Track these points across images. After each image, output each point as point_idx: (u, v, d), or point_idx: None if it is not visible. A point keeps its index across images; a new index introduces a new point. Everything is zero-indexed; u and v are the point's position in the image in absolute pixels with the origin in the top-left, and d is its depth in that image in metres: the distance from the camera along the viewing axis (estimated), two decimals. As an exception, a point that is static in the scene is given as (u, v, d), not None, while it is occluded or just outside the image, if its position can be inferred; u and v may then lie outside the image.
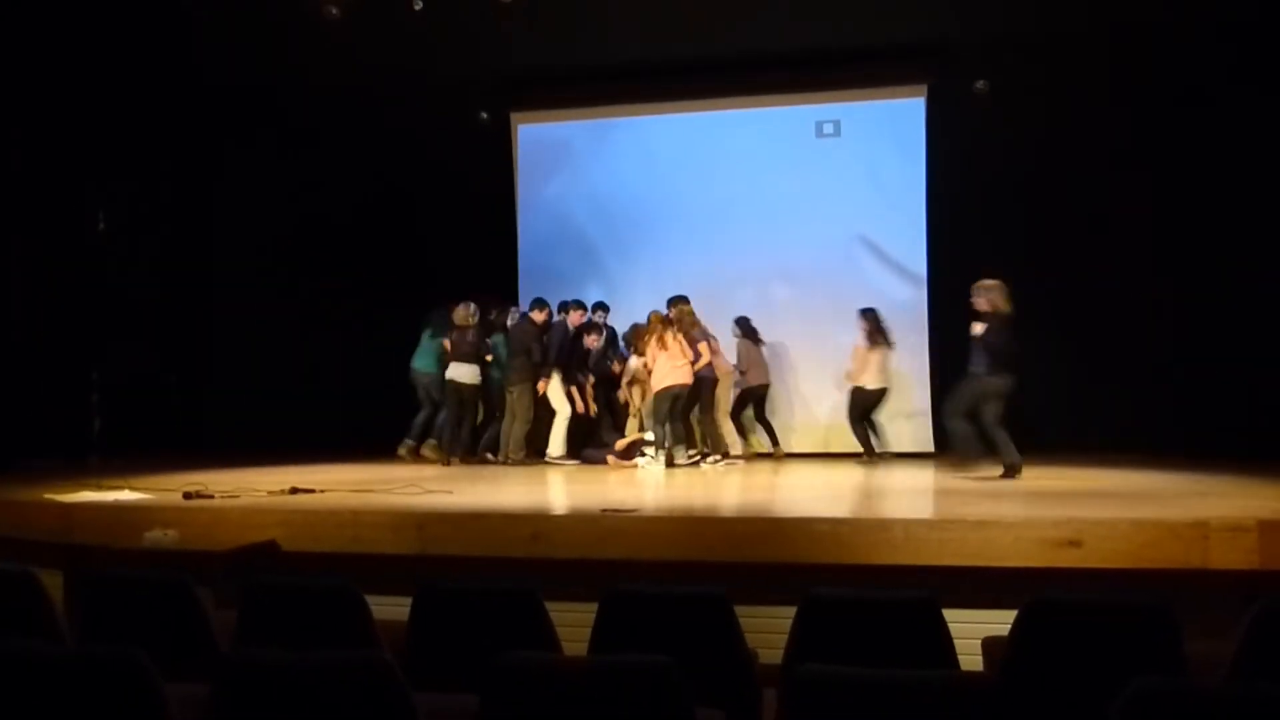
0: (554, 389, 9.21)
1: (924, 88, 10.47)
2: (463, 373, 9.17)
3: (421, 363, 9.57)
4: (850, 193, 10.56)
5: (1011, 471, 7.10)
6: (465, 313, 9.22)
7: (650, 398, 8.95)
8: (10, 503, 6.24)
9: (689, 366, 8.70)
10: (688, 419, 9.12)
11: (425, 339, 9.63)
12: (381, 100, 10.65)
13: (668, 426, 8.71)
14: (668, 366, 8.63)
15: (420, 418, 9.53)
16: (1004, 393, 7.19)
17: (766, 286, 9.84)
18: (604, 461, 9.09)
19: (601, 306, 9.94)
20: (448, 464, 8.98)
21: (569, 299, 9.76)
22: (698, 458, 8.96)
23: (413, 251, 11.02)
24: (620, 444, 9.14)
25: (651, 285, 10.36)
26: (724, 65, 10.53)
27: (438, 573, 4.44)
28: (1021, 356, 7.22)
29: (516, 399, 9.19)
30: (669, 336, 8.65)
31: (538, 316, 9.41)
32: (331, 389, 10.45)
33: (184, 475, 7.36)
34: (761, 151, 10.77)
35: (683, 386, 8.66)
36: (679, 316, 8.86)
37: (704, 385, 8.98)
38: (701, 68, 10.58)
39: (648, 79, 10.79)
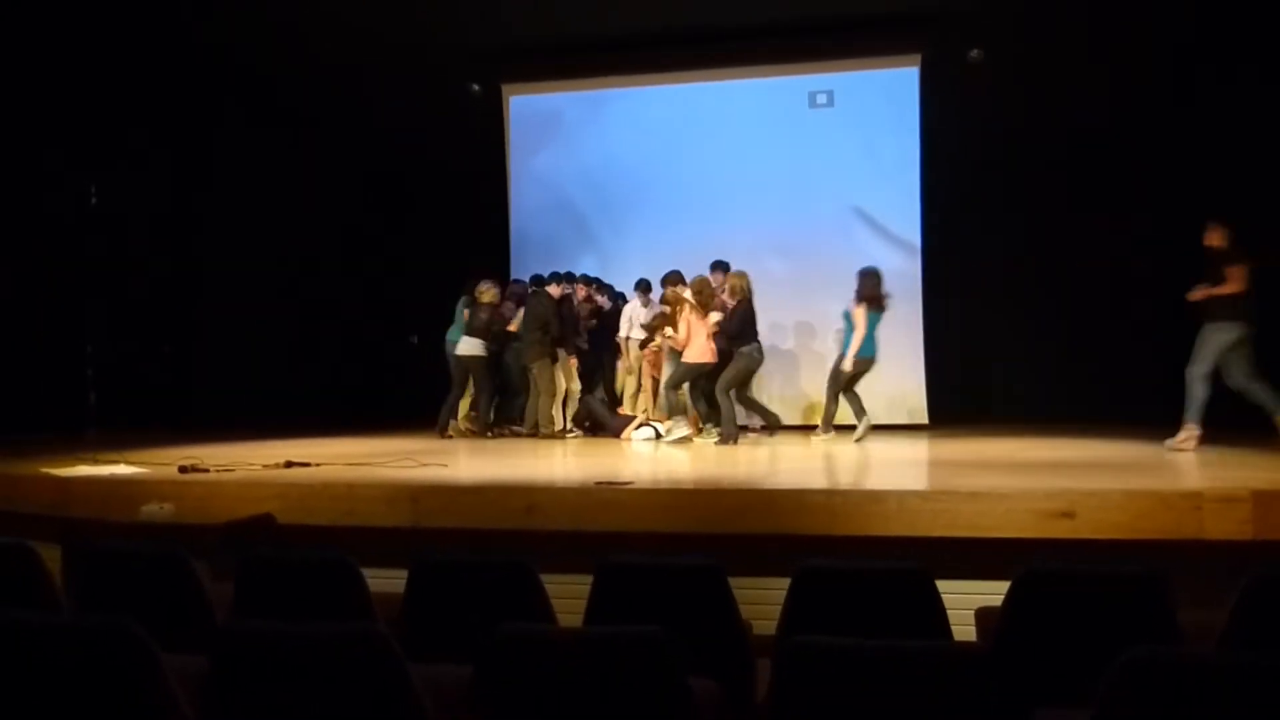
0: (563, 363, 9.23)
1: (918, 57, 10.42)
2: (466, 346, 9.21)
3: (452, 335, 9.63)
4: (844, 163, 10.53)
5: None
6: (483, 288, 9.31)
7: (673, 370, 8.78)
8: (6, 476, 6.23)
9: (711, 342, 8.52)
10: (715, 395, 8.81)
11: (458, 311, 9.66)
12: (373, 72, 10.58)
13: (688, 399, 8.63)
14: (702, 342, 8.41)
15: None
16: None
17: (760, 258, 9.78)
18: (616, 433, 9.07)
19: (597, 282, 9.95)
20: (444, 436, 9.00)
21: (561, 271, 9.76)
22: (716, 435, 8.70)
23: (405, 223, 10.98)
24: (631, 426, 9.09)
25: (644, 257, 10.35)
26: (717, 36, 10.46)
27: (433, 545, 4.46)
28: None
29: (538, 374, 9.21)
30: (697, 312, 8.46)
31: (554, 291, 9.39)
32: (326, 362, 10.45)
33: (179, 449, 7.37)
34: (755, 122, 10.73)
35: (710, 363, 8.48)
36: (701, 288, 8.55)
37: (723, 359, 8.65)
38: (694, 38, 10.52)
39: (640, 50, 10.73)
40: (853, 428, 8.52)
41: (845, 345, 8.36)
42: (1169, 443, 7.07)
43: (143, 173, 10.58)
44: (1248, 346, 6.89)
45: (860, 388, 8.77)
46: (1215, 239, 7.13)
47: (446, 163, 10.98)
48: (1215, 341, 6.91)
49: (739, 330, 8.25)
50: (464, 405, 9.59)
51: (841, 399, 8.68)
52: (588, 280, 9.83)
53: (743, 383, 8.48)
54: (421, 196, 11.07)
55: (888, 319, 9.86)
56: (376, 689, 2.30)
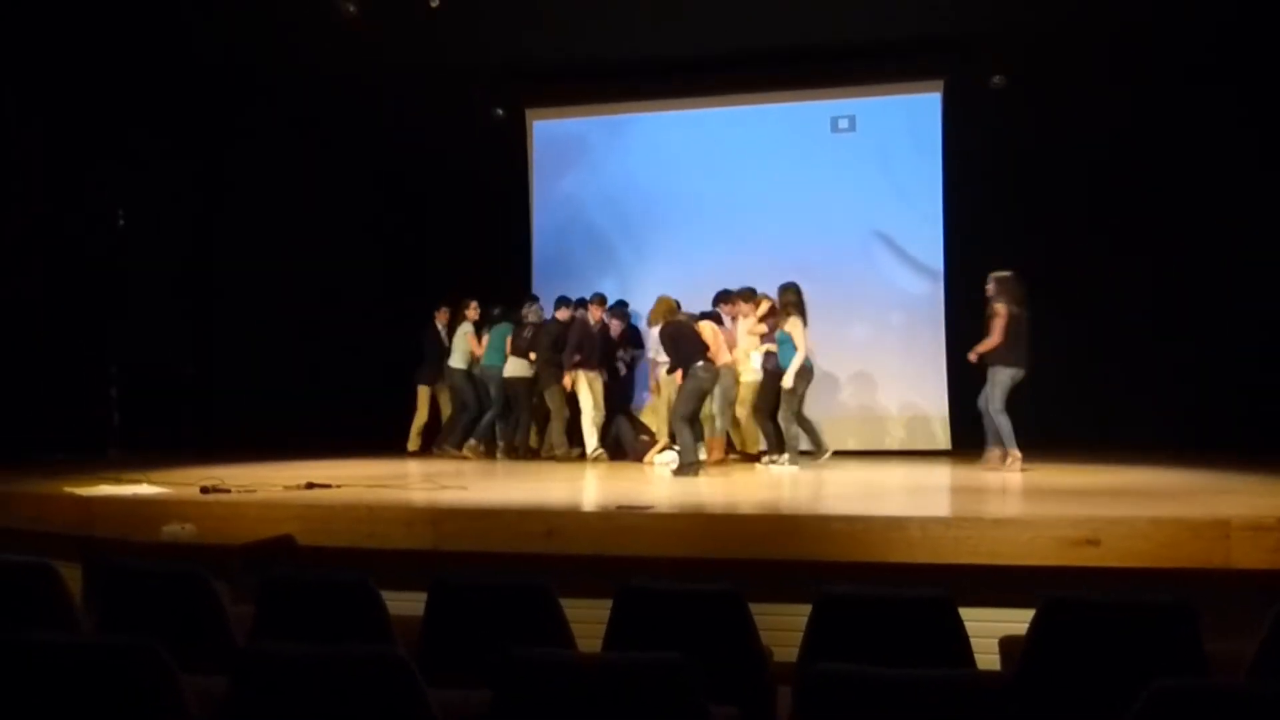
0: (581, 385, 9.25)
1: (940, 83, 10.43)
2: (513, 368, 9.44)
3: (490, 360, 9.74)
4: (866, 188, 10.52)
5: None
6: (526, 310, 9.66)
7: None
8: (29, 495, 6.28)
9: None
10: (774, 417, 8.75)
11: (495, 336, 9.77)
12: (397, 96, 10.68)
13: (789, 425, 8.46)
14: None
15: (487, 417, 9.75)
16: None
17: (782, 281, 9.73)
18: (638, 457, 9.05)
19: (620, 305, 10.00)
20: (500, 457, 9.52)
21: (586, 296, 9.82)
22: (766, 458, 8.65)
23: (427, 246, 11.05)
24: (654, 450, 9.06)
25: (666, 280, 10.34)
26: (739, 61, 10.50)
27: (452, 568, 4.45)
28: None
29: (550, 397, 9.31)
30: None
31: (562, 315, 9.52)
32: (348, 383, 10.50)
33: (201, 469, 7.41)
34: (777, 147, 10.74)
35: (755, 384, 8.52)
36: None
37: (770, 380, 8.58)
38: (716, 63, 10.56)
39: (663, 75, 10.78)
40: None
41: (785, 363, 8.22)
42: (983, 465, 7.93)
43: (167, 195, 10.70)
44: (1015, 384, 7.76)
45: (883, 411, 8.74)
46: (988, 289, 7.93)
47: (469, 186, 11.05)
48: (1000, 382, 7.78)
49: (675, 354, 8.07)
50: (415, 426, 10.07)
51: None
52: (602, 302, 9.85)
53: (698, 403, 8.11)
54: (444, 219, 11.14)
55: (910, 344, 9.85)
56: (394, 712, 2.29)
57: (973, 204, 10.14)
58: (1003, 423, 7.73)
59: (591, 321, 9.53)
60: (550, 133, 11.49)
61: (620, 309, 9.94)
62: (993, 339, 7.72)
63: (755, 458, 8.94)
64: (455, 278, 9.93)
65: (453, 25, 9.05)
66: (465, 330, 9.87)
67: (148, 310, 10.40)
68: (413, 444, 10.13)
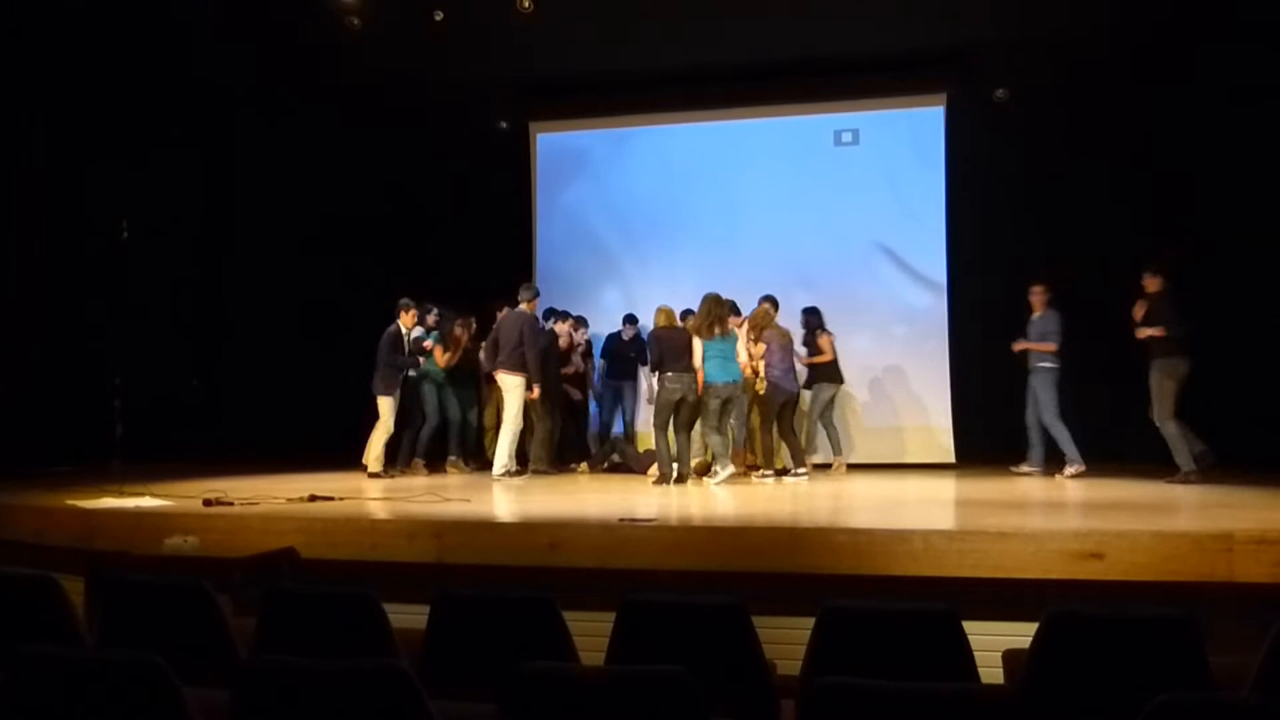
0: (505, 392, 8.86)
1: (943, 96, 10.45)
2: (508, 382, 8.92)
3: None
4: (869, 201, 10.53)
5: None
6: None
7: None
8: (32, 508, 6.29)
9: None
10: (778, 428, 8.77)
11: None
12: (402, 108, 10.71)
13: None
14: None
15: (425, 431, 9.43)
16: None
17: (786, 295, 9.77)
18: (642, 471, 9.04)
19: (630, 319, 10.16)
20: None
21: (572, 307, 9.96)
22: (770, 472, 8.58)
23: (431, 258, 11.06)
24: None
25: (669, 292, 10.35)
26: (742, 74, 10.53)
27: (455, 581, 4.45)
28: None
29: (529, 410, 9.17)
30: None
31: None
32: (351, 397, 10.49)
33: (204, 482, 7.42)
34: (780, 160, 10.76)
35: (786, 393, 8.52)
36: (764, 316, 8.69)
37: (778, 393, 8.58)
38: (720, 76, 10.59)
39: (666, 88, 10.81)
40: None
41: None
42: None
43: (171, 207, 10.72)
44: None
45: (887, 424, 8.75)
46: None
47: (473, 198, 11.07)
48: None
49: (655, 359, 8.25)
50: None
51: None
52: (566, 316, 9.87)
53: (668, 413, 8.08)
54: (448, 231, 11.15)
55: (914, 357, 9.85)
56: (397, 726, 2.29)
57: (976, 217, 10.14)
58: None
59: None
60: (554, 145, 11.53)
61: (572, 319, 9.94)
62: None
63: (783, 471, 8.78)
64: (459, 289, 9.93)
65: (456, 38, 9.09)
66: (429, 340, 9.41)
67: (152, 322, 10.41)
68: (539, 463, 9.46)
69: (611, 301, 10.80)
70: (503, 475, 8.48)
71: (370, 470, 8.64)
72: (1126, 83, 9.41)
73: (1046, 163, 9.81)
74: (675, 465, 8.11)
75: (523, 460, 9.07)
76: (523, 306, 8.85)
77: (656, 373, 8.30)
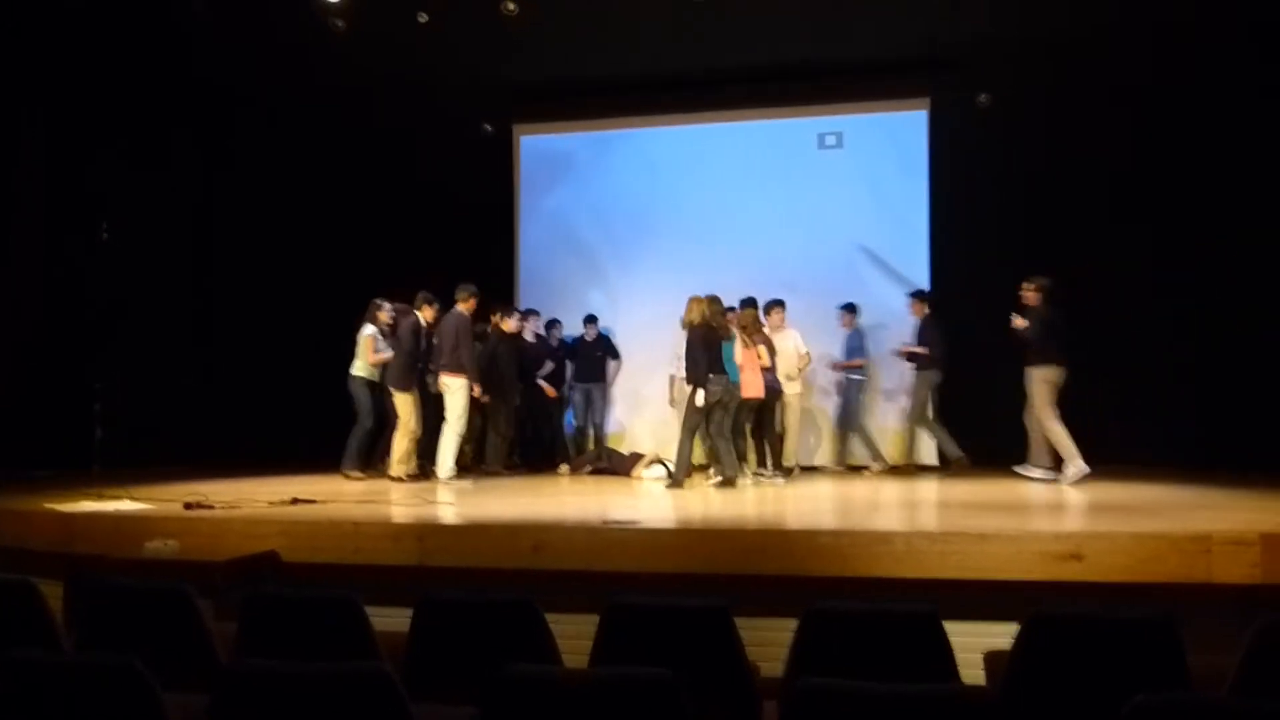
0: (445, 392, 8.55)
1: (926, 100, 10.51)
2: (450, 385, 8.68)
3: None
4: (852, 204, 10.58)
5: None
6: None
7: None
8: (10, 512, 6.24)
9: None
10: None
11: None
12: (386, 111, 10.69)
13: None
14: (750, 376, 8.22)
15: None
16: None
17: (768, 296, 9.81)
18: (626, 472, 9.03)
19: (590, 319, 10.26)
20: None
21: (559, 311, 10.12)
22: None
23: (415, 260, 11.02)
24: (641, 464, 9.05)
25: (652, 295, 10.41)
26: (726, 78, 10.56)
27: (439, 584, 4.44)
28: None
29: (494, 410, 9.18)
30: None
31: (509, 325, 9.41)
32: (333, 399, 10.46)
33: (185, 485, 7.37)
34: (764, 163, 10.79)
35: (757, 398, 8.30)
36: (751, 320, 8.54)
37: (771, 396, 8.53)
38: (704, 80, 10.61)
39: (650, 91, 10.83)
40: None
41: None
42: None
43: (154, 209, 10.65)
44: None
45: (869, 426, 8.77)
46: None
47: (457, 201, 11.05)
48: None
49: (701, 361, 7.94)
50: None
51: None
52: (524, 314, 9.89)
53: (700, 418, 7.91)
54: (432, 234, 11.11)
55: (896, 359, 9.88)
56: (379, 729, 2.28)
57: (958, 220, 10.20)
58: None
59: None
60: (537, 148, 11.53)
61: (527, 314, 9.98)
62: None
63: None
64: (441, 292, 9.92)
65: (440, 41, 9.07)
66: (368, 333, 8.96)
67: (134, 325, 10.34)
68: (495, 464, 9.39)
69: (595, 304, 10.80)
70: (450, 479, 8.27)
71: (393, 475, 8.37)
72: (1109, 87, 9.48)
73: (1029, 166, 9.88)
74: (725, 469, 7.85)
75: (479, 462, 9.07)
76: (459, 307, 8.62)
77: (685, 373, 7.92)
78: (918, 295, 9.68)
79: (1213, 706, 2.06)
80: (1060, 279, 9.31)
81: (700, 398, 7.75)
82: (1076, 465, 7.67)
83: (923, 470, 9.59)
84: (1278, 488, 6.84)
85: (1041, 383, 7.90)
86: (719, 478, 7.92)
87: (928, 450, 9.92)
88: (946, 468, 9.45)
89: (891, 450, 9.93)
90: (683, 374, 8.51)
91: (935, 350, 9.28)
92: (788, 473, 8.78)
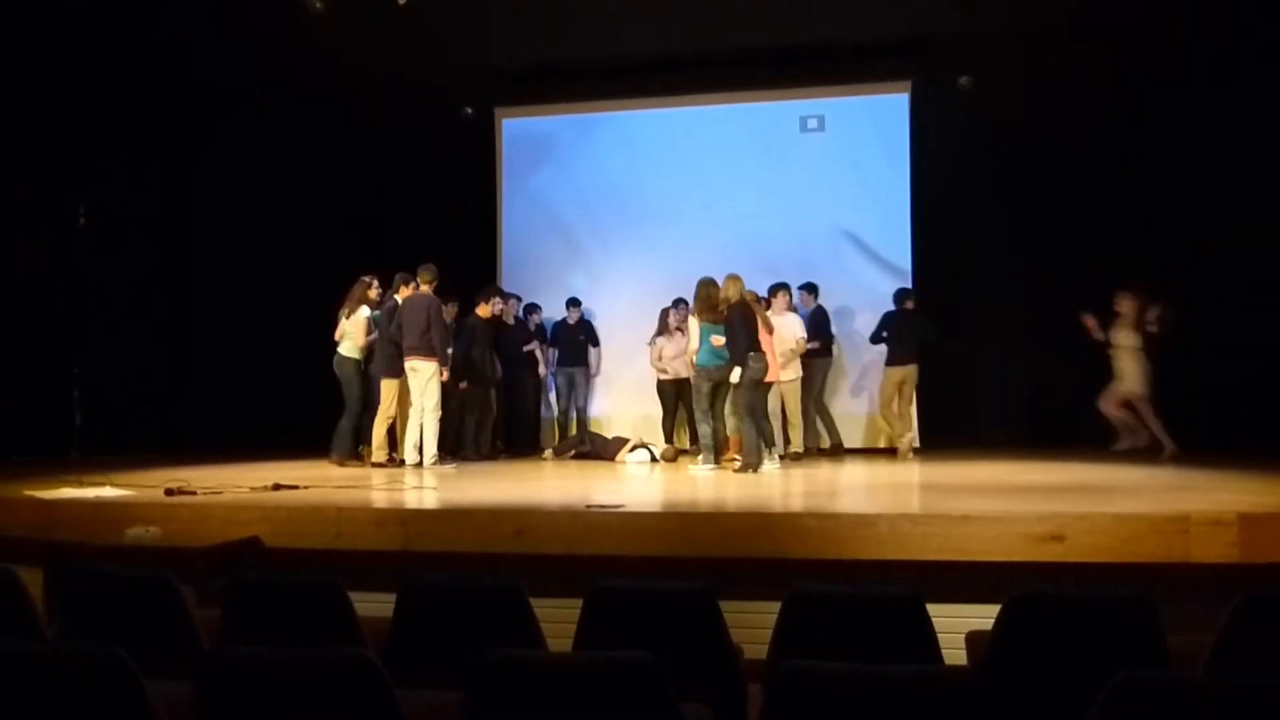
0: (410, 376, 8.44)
1: (908, 83, 10.50)
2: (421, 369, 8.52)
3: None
4: (834, 187, 10.58)
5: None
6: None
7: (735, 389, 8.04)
8: (-10, 499, 6.19)
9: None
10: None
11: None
12: (365, 95, 10.61)
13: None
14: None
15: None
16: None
17: (750, 279, 9.79)
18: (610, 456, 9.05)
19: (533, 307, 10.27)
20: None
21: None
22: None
23: (396, 244, 10.97)
24: (625, 448, 9.06)
25: (634, 277, 10.41)
26: (709, 60, 10.53)
27: (422, 569, 4.43)
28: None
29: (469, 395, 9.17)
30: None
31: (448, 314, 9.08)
32: (315, 385, 10.42)
33: (166, 471, 7.33)
34: (746, 146, 10.77)
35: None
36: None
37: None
38: (686, 62, 10.58)
39: (632, 74, 10.78)
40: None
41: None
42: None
43: (131, 194, 10.57)
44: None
45: (850, 409, 8.76)
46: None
47: (439, 184, 11.00)
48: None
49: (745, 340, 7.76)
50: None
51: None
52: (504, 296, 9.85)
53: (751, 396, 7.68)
54: (413, 218, 11.06)
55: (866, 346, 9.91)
56: (363, 715, 2.28)
57: (940, 203, 10.22)
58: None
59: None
60: (519, 131, 11.47)
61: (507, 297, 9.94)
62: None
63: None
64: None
65: (421, 24, 9.00)
66: (364, 316, 8.76)
67: (113, 312, 10.26)
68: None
69: (578, 287, 10.78)
70: (434, 463, 8.18)
71: (374, 461, 8.34)
72: (1090, 71, 9.50)
73: (1010, 149, 9.91)
74: (747, 455, 7.58)
75: (459, 447, 9.04)
76: (424, 289, 8.44)
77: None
78: (806, 288, 9.77)
79: (1190, 684, 2.09)
80: (1042, 259, 9.37)
81: (736, 375, 7.52)
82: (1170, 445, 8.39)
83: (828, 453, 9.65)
84: (1255, 469, 6.90)
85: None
86: (738, 461, 7.73)
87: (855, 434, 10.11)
88: (815, 453, 9.48)
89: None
90: (663, 343, 8.61)
91: (825, 340, 9.52)
92: (781, 458, 8.70)
